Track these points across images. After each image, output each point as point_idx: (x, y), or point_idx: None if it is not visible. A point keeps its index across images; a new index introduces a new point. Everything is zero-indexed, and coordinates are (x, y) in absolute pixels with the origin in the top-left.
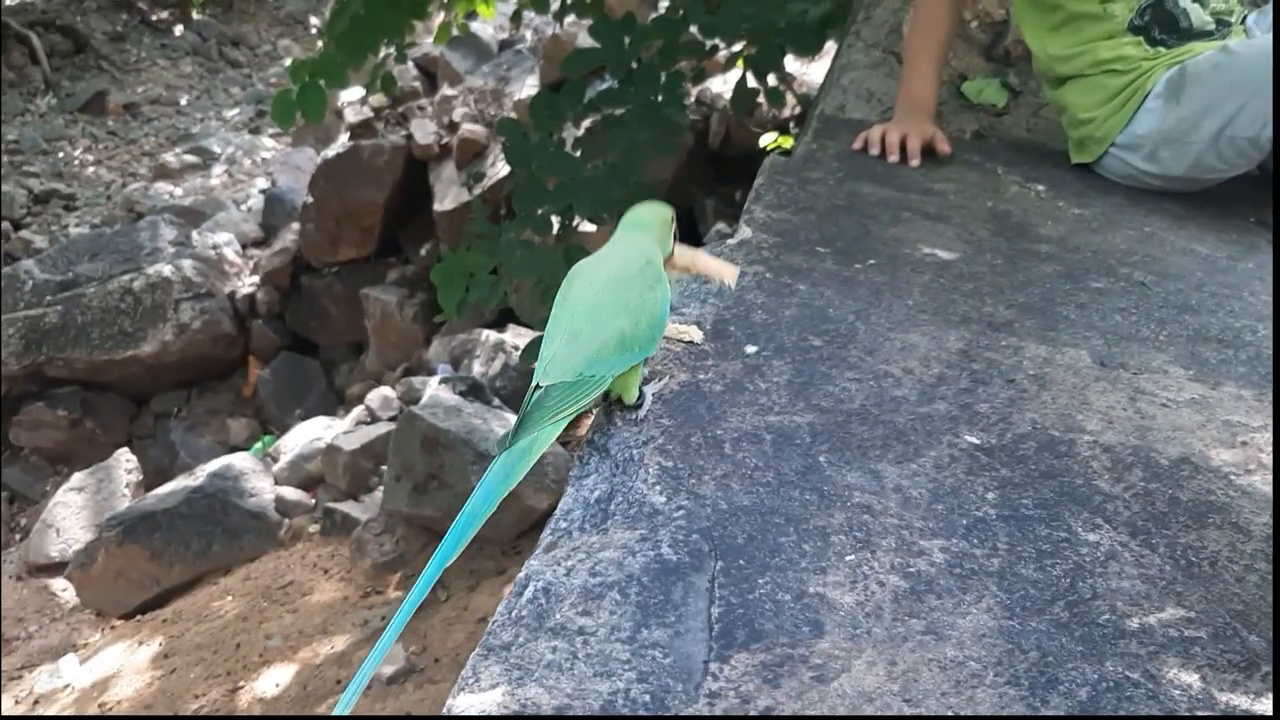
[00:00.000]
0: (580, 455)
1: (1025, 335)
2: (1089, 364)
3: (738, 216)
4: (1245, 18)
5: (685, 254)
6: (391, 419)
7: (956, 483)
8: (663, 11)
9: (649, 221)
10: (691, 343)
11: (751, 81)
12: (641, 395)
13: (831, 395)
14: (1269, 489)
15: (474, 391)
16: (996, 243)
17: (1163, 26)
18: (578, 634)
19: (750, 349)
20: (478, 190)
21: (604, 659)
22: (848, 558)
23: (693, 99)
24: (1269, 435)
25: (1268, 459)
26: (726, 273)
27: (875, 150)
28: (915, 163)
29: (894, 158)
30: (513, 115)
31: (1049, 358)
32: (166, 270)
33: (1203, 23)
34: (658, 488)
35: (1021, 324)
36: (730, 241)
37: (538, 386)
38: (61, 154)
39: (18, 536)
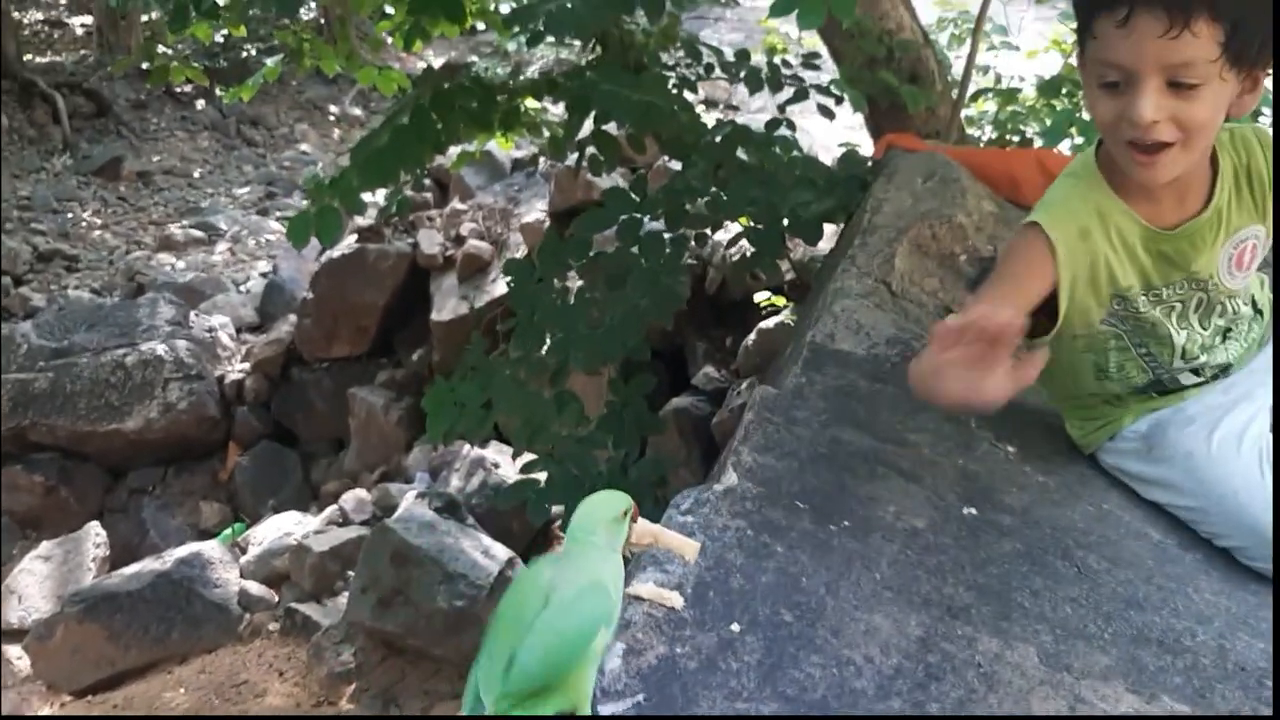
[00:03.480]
0: None
1: (980, 625)
2: (1035, 664)
3: (727, 362)
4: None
5: (644, 533)
6: (364, 522)
7: None
8: (672, 180)
9: (593, 527)
10: (673, 609)
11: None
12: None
13: (797, 682)
14: None
15: (449, 509)
16: (963, 510)
17: (1155, 388)
18: None
19: (725, 623)
20: (478, 305)
21: None
22: None
23: (691, 242)
24: None
25: None
26: (687, 550)
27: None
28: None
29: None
30: (519, 238)
31: (999, 654)
32: (160, 349)
33: (1195, 381)
34: None
35: (978, 610)
36: (717, 488)
37: None
38: (71, 214)
39: None
